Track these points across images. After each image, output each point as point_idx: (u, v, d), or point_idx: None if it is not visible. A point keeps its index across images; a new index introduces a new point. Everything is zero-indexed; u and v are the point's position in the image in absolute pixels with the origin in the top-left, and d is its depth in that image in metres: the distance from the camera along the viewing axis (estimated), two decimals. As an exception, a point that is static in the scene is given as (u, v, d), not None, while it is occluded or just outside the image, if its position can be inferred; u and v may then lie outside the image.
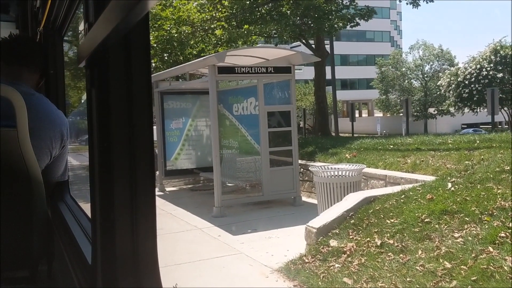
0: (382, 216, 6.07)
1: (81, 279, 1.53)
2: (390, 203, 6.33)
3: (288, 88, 9.76)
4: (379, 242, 5.48)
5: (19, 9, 3.40)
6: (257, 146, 11.09)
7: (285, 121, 9.76)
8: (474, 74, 33.22)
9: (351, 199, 6.56)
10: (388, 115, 55.58)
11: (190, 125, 13.23)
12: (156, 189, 12.72)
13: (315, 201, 10.02)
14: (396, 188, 6.79)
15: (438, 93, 39.70)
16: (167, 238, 7.76)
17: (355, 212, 6.33)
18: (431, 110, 48.86)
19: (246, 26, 13.76)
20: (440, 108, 47.13)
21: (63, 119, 2.14)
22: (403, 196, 6.44)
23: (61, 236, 2.09)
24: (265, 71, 9.37)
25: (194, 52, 16.72)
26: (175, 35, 14.52)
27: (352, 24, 16.65)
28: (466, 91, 33.71)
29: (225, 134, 13.04)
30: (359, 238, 5.79)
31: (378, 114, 58.60)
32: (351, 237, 5.92)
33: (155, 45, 14.50)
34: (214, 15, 14.80)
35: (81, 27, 1.29)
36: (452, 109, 40.07)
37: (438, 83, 38.91)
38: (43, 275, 1.95)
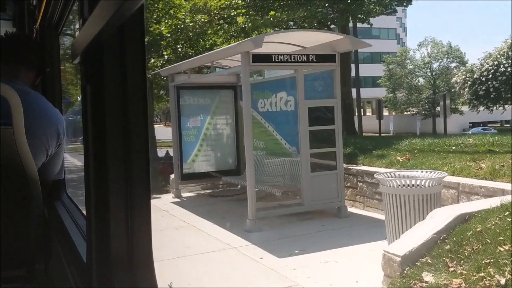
0: (488, 240, 4.62)
1: (77, 277, 1.52)
2: (493, 222, 4.89)
3: (331, 79, 8.30)
4: (502, 280, 4.02)
5: (16, 7, 3.35)
6: (289, 146, 9.65)
7: (328, 118, 8.29)
8: (491, 71, 31.77)
9: (440, 217, 5.10)
10: (394, 113, 54.17)
11: (209, 124, 11.76)
12: (171, 195, 11.28)
13: (362, 212, 8.58)
14: (493, 202, 5.34)
15: (453, 90, 38.21)
16: (197, 260, 6.31)
17: (448, 234, 4.89)
18: (439, 108, 47.64)
19: (272, 13, 12.32)
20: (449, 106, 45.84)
21: (59, 117, 2.12)
22: (507, 212, 4.99)
23: (57, 234, 2.07)
24: (305, 59, 7.91)
25: (207, 45, 15.25)
26: (190, 24, 13.06)
27: (388, 11, 15.13)
28: (483, 88, 32.26)
29: (248, 133, 11.58)
30: (466, 272, 4.34)
31: (385, 112, 57.19)
32: (452, 269, 4.47)
33: (168, 35, 13.04)
34: (233, 1, 13.32)
35: (78, 25, 1.23)
36: (466, 107, 38.68)
37: (453, 80, 37.46)
38: (40, 274, 1.90)
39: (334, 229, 7.47)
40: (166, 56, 13.57)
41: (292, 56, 7.85)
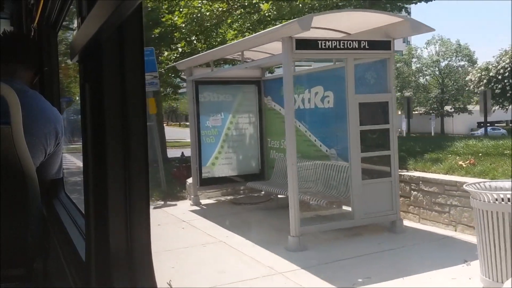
0: None
1: (75, 276, 1.52)
2: None
3: (383, 70, 7.03)
4: None
5: (14, 6, 3.29)
6: (326, 149, 8.39)
7: (380, 116, 7.02)
8: (508, 69, 30.48)
9: None
10: (399, 112, 52.84)
11: (231, 123, 10.49)
12: (189, 202, 10.01)
13: (418, 226, 7.31)
14: None
15: (467, 89, 36.97)
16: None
17: None
18: (447, 107, 46.51)
19: (301, -1, 11.06)
20: (457, 106, 44.78)
21: (57, 116, 2.10)
22: None
23: (56, 233, 2.06)
24: (357, 46, 6.64)
25: (218, 39, 14.01)
26: (207, 14, 11.79)
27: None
28: (499, 86, 30.97)
29: (275, 134, 10.33)
30: None
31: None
32: None
33: (183, 25, 11.78)
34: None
35: (76, 23, 1.23)
36: (477, 107, 37.37)
37: (467, 78, 36.19)
38: (39, 273, 1.89)
39: (394, 248, 6.20)
40: (180, 49, 12.30)
41: (341, 42, 6.57)
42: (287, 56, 6.36)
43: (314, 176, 8.59)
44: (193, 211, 9.36)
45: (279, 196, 9.37)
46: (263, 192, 10.57)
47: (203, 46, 13.32)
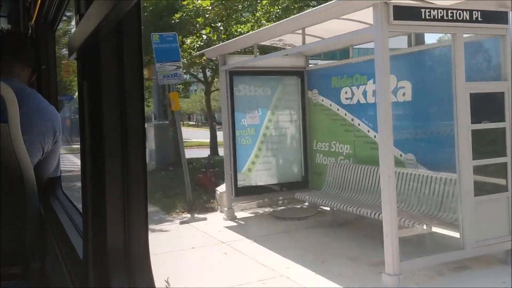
0: None
1: (73, 274, 1.51)
2: None
3: (496, 51, 5.31)
4: None
5: (11, 3, 3.26)
6: (401, 153, 6.71)
7: (493, 112, 5.30)
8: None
9: None
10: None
11: (269, 121, 8.78)
12: (222, 216, 8.29)
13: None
14: None
15: None
16: None
17: None
18: None
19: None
20: None
21: (55, 114, 2.08)
22: None
23: (53, 232, 2.06)
24: (468, 17, 4.92)
25: (240, 29, 12.29)
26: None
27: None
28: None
29: (322, 133, 8.61)
30: None
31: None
32: None
33: (209, 7, 10.07)
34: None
35: (73, 22, 1.24)
36: None
37: None
38: (36, 271, 1.88)
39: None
40: (205, 36, 10.58)
41: (450, 12, 4.84)
42: (381, 29, 4.63)
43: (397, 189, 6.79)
44: (229, 227, 7.64)
45: (321, 208, 7.69)
46: (306, 203, 8.86)
47: (233, 31, 11.55)
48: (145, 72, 17.81)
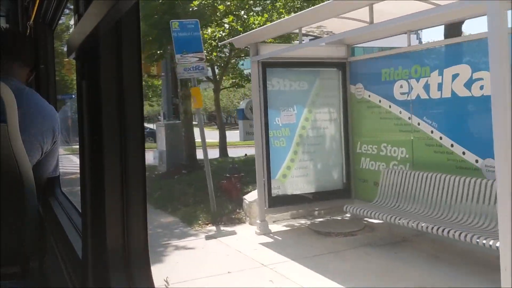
0: None
1: (72, 274, 1.52)
2: None
3: None
4: None
5: (9, 3, 3.26)
6: (477, 159, 5.57)
7: None
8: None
9: None
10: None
11: (306, 120, 7.64)
12: (253, 229, 7.16)
13: None
14: None
15: None
16: None
17: None
18: None
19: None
20: None
21: (54, 114, 2.07)
22: None
23: (52, 231, 2.06)
24: None
25: (257, 21, 11.17)
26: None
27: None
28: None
29: (368, 134, 7.47)
30: None
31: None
32: None
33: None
34: None
35: (72, 21, 1.24)
36: None
37: None
38: (35, 271, 1.85)
39: None
40: (227, 25, 9.44)
41: None
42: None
43: (470, 201, 5.60)
44: (265, 244, 6.49)
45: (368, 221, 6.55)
46: (348, 215, 7.72)
47: (250, 23, 10.40)
48: (154, 69, 16.67)
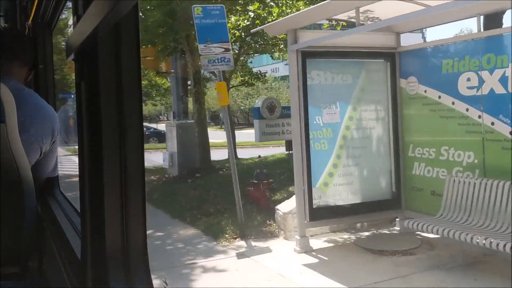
0: None
1: (71, 274, 1.51)
2: None
3: None
4: None
5: (8, 2, 3.25)
6: None
7: None
8: None
9: None
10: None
11: (350, 119, 6.62)
12: (291, 245, 6.15)
13: None
14: None
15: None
16: None
17: None
18: None
19: None
20: None
21: (53, 114, 2.07)
22: None
23: (51, 232, 2.06)
24: None
25: (275, 13, 10.14)
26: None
27: None
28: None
29: (422, 135, 6.45)
30: None
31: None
32: None
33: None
34: None
35: (71, 21, 1.22)
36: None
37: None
38: (33, 271, 1.84)
39: None
40: (251, 13, 8.43)
41: None
42: None
43: None
44: (310, 266, 5.49)
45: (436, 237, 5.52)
46: (397, 228, 6.73)
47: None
48: (163, 65, 15.63)
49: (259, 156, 16.75)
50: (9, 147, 1.61)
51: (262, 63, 37.00)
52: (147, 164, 17.56)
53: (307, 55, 6.21)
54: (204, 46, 6.91)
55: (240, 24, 8.87)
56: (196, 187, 10.19)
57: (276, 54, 15.32)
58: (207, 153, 12.33)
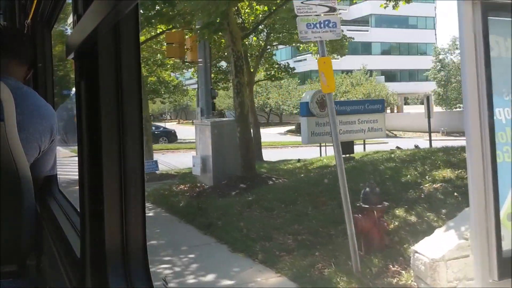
0: None
1: (70, 273, 1.50)
2: None
3: None
4: None
5: (7, 1, 3.28)
6: None
7: None
8: None
9: None
10: (440, 109, 47.14)
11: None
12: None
13: None
14: None
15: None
16: None
17: None
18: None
19: None
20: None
21: (52, 113, 2.08)
22: None
23: (50, 230, 2.05)
24: None
25: None
26: None
27: None
28: None
29: None
30: None
31: (437, 109, 50.01)
32: None
33: None
34: None
35: (70, 19, 1.22)
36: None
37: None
38: (32, 270, 1.85)
39: None
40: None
41: None
42: None
43: None
44: None
45: None
46: None
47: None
48: (189, 55, 13.18)
49: (299, 160, 14.36)
50: (8, 145, 1.62)
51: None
52: (161, 167, 15.11)
53: (490, 9, 3.80)
54: (301, 2, 4.51)
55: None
56: (249, 204, 7.80)
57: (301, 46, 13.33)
58: (252, 158, 9.91)
